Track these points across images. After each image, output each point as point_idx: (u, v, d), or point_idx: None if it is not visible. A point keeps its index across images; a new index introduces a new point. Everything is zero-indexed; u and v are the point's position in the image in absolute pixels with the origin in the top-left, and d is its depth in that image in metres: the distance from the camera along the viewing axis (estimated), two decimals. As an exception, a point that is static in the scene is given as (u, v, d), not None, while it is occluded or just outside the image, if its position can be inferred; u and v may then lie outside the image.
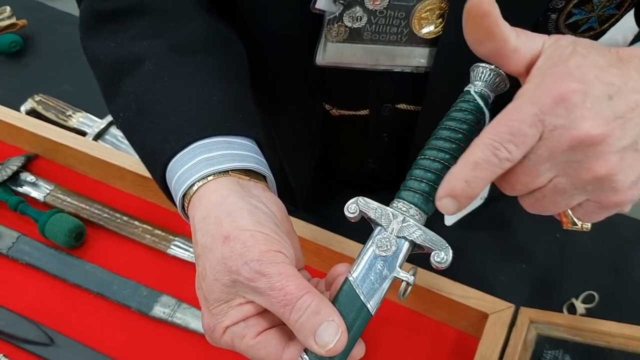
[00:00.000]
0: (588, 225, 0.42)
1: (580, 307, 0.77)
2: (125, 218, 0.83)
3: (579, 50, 0.38)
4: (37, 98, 0.97)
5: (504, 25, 0.39)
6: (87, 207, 0.84)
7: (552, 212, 0.41)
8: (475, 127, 0.44)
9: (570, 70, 0.37)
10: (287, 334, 0.44)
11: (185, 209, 0.49)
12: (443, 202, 0.40)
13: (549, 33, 0.41)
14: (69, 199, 0.85)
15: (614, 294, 0.79)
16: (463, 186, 0.38)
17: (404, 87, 0.67)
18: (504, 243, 0.84)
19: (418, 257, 0.46)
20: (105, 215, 0.83)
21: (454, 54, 0.56)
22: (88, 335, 0.74)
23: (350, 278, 0.44)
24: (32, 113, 0.97)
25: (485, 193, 0.41)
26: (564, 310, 0.78)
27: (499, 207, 0.83)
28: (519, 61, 0.40)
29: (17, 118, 0.90)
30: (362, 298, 0.44)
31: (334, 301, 0.44)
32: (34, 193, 0.85)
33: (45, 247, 0.80)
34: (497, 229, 0.84)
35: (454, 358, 0.73)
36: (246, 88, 0.57)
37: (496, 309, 0.70)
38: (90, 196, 0.86)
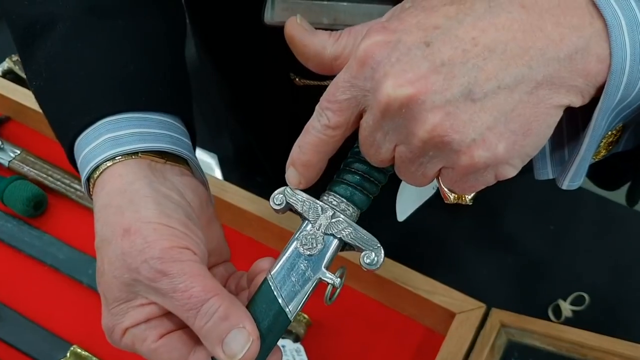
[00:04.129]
0: (467, 198, 0.36)
1: (566, 309, 0.69)
2: (89, 187, 0.79)
3: (405, 5, 0.34)
4: (15, 58, 0.94)
5: (314, 40, 0.37)
6: (51, 175, 0.80)
7: (417, 183, 0.36)
8: None
9: (384, 24, 0.33)
10: (194, 337, 0.40)
11: (92, 193, 0.44)
12: (287, 172, 0.39)
13: None
14: (33, 166, 0.81)
15: (608, 297, 0.71)
16: (297, 151, 0.38)
17: None
18: (490, 233, 0.76)
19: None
20: (69, 184, 0.80)
21: None
22: (36, 310, 0.71)
23: (270, 278, 0.40)
24: (10, 74, 0.94)
25: (436, 182, 0.35)
26: (549, 311, 0.70)
27: (488, 191, 0.75)
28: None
29: (-13, 79, 0.86)
30: (280, 301, 0.39)
31: (250, 303, 0.40)
32: (-1, 157, 0.82)
33: (2, 214, 0.77)
34: (484, 216, 0.76)
35: (418, 357, 0.67)
36: (176, 59, 0.51)
37: (464, 309, 0.64)
38: (58, 163, 0.82)
